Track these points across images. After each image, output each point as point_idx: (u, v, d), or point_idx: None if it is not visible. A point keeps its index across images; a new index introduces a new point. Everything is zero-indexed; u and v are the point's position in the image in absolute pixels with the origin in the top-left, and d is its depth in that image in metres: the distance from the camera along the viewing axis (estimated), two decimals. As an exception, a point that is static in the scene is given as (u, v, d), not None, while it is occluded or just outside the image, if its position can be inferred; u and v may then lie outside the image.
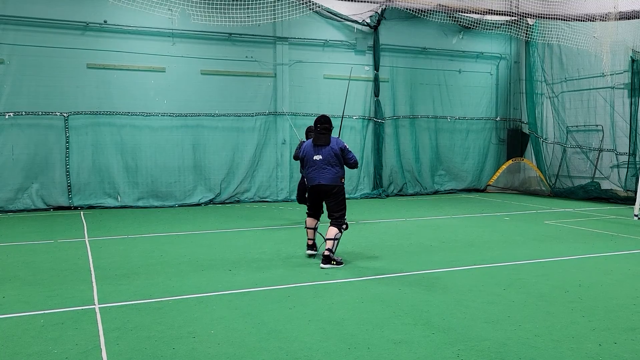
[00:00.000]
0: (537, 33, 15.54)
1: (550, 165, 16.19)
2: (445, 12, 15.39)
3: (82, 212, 12.02)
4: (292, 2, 13.61)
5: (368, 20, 15.03)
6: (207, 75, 13.56)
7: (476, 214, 11.92)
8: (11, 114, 11.85)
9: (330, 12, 14.49)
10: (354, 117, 15.23)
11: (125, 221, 10.88)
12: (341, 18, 14.68)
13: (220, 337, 4.39)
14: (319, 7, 14.21)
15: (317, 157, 6.90)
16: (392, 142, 15.77)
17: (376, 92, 15.37)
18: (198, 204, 13.41)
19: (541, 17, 14.71)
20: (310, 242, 7.40)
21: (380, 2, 14.86)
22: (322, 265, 6.74)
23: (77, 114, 12.40)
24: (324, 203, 7.19)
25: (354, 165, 7.07)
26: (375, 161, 15.50)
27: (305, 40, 14.50)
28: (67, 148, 12.34)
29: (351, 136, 15.19)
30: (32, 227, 10.09)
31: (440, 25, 15.65)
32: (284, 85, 14.30)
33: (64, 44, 12.20)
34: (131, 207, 12.84)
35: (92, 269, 6.80)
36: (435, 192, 16.32)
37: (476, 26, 16.02)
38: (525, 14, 15.83)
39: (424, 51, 16.00)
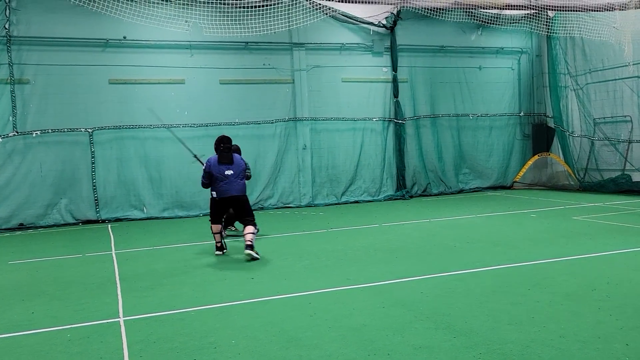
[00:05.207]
0: (558, 25, 15.24)
1: (578, 159, 15.85)
2: (462, 9, 15.24)
3: (109, 225, 12.25)
4: (307, 8, 13.66)
5: (384, 22, 14.98)
6: (226, 85, 13.70)
7: (502, 212, 11.73)
8: (38, 132, 12.16)
9: (346, 16, 14.47)
10: (374, 119, 15.17)
11: (151, 232, 11.05)
12: (357, 21, 14.66)
13: (241, 347, 4.41)
14: (334, 12, 14.22)
15: (229, 172, 8.05)
16: (414, 143, 15.66)
17: (395, 93, 15.29)
18: (222, 213, 13.52)
19: (561, 9, 14.42)
20: (219, 245, 8.38)
21: (395, 3, 14.78)
22: (249, 251, 7.75)
23: (101, 129, 12.66)
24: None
25: (249, 177, 9.02)
26: (397, 162, 15.41)
27: (322, 44, 14.52)
28: (93, 163, 12.60)
29: (372, 138, 15.15)
30: (62, 242, 10.32)
31: (458, 22, 15.49)
32: (302, 90, 14.35)
33: (86, 62, 12.49)
34: (157, 218, 13.03)
35: (117, 281, 6.91)
36: (460, 191, 16.14)
37: (495, 22, 15.80)
38: (545, 6, 15.54)
39: (443, 49, 15.86)
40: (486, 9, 15.61)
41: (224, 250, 8.45)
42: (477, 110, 16.43)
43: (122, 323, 5.21)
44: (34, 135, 12.14)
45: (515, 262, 6.95)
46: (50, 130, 12.25)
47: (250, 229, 8.03)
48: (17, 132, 11.98)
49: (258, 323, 4.99)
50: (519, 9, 15.79)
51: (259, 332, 4.75)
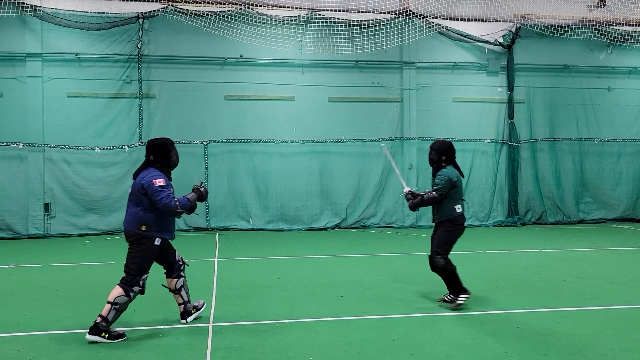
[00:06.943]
0: None
1: None
2: (590, 27, 14.23)
3: (217, 234, 12.85)
4: (420, 26, 13.52)
5: (501, 40, 14.35)
6: (335, 102, 13.89)
7: (626, 247, 10.61)
8: (160, 143, 13.13)
9: (459, 34, 14.07)
10: (486, 141, 14.52)
11: (254, 243, 11.40)
12: (471, 39, 14.19)
13: (317, 365, 4.35)
14: (446, 29, 13.91)
15: (130, 191, 5.36)
16: (529, 167, 14.73)
17: (510, 115, 14.54)
18: (324, 229, 13.64)
19: None
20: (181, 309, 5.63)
21: (514, 21, 14.18)
22: (87, 336, 4.97)
23: (215, 142, 13.39)
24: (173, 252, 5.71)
25: (163, 208, 5.09)
26: (509, 187, 14.58)
27: (433, 63, 14.23)
28: (206, 174, 13.34)
29: (482, 160, 14.52)
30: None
31: (584, 40, 14.44)
32: (410, 109, 14.13)
33: (205, 78, 13.32)
34: (262, 229, 13.43)
35: (214, 288, 7.18)
36: (581, 222, 14.86)
37: (628, 39, 14.52)
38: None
39: (566, 69, 14.83)
40: (618, 25, 14.45)
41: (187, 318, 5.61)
42: (604, 135, 15.10)
43: (210, 329, 5.38)
44: (156, 145, 13.12)
45: (633, 303, 6.20)
46: (170, 142, 13.17)
47: (112, 293, 5.07)
48: (142, 143, 13.02)
49: (339, 342, 4.90)
50: (658, 25, 14.44)
51: (337, 351, 4.66)
